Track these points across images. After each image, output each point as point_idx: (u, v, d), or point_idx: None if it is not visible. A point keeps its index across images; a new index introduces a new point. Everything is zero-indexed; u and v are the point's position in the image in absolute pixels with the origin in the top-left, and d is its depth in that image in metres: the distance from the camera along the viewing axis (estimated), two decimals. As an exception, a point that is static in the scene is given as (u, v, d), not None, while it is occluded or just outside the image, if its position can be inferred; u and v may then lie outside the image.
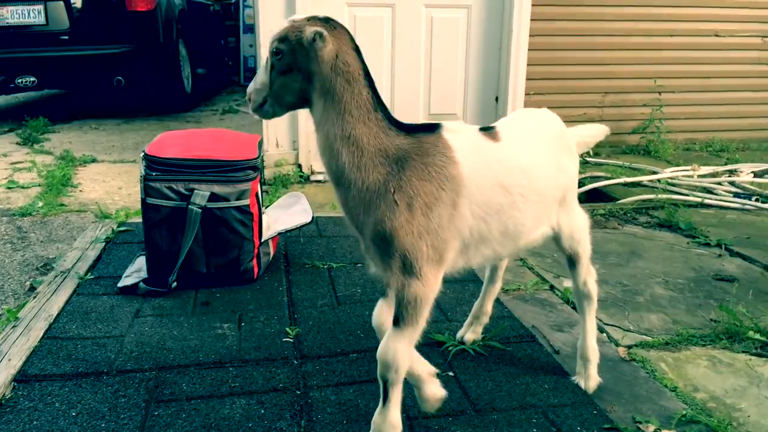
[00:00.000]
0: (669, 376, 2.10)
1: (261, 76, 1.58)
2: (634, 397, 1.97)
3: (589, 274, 1.97)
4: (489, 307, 2.25)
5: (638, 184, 4.36)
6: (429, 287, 1.56)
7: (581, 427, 1.80)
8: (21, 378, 1.99)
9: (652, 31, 5.42)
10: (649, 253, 3.19)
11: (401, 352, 1.55)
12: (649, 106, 5.48)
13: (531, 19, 4.83)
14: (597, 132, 2.02)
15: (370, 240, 1.58)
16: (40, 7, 6.10)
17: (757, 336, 2.30)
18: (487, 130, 1.72)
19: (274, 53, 1.53)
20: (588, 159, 5.07)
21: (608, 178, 4.44)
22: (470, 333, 2.25)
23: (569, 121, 1.90)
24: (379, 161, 1.53)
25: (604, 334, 2.36)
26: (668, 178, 4.41)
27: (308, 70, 1.52)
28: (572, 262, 1.94)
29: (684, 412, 1.86)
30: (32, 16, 6.11)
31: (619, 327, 2.43)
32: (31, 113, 6.38)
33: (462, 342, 2.24)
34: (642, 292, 2.74)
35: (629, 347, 2.28)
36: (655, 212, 3.84)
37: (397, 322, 1.56)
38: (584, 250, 1.93)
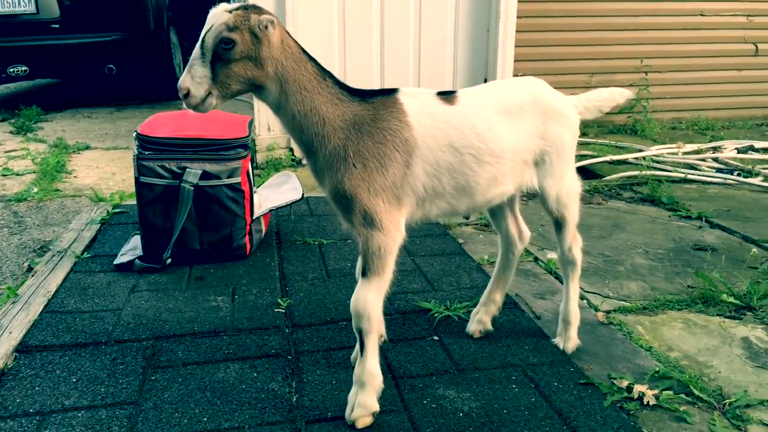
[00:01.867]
0: (645, 338, 2.19)
1: (199, 69, 1.55)
2: (610, 356, 2.06)
3: (575, 241, 2.03)
4: (498, 296, 2.17)
5: (624, 162, 4.44)
6: (391, 237, 1.67)
7: (558, 383, 1.89)
8: (22, 349, 2.07)
9: (638, 11, 5.49)
10: (632, 226, 3.28)
11: (371, 301, 1.65)
12: (635, 85, 5.55)
13: (518, 0, 4.87)
14: (609, 96, 1.99)
15: (331, 199, 1.71)
16: (30, -5, 6.12)
17: (731, 299, 2.39)
18: (446, 94, 1.80)
19: (223, 42, 1.54)
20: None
21: (594, 157, 4.51)
22: (474, 324, 2.17)
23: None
24: (339, 125, 1.65)
25: (584, 301, 2.45)
26: (653, 155, 4.48)
27: (259, 56, 1.59)
28: (559, 225, 2.00)
29: (657, 369, 1.95)
30: (22, 4, 6.12)
31: (599, 294, 2.52)
32: (24, 102, 6.42)
33: (469, 335, 2.17)
34: (623, 262, 2.83)
35: (608, 312, 2.37)
36: (639, 188, 3.93)
37: (365, 272, 1.67)
38: (571, 215, 1.98)
